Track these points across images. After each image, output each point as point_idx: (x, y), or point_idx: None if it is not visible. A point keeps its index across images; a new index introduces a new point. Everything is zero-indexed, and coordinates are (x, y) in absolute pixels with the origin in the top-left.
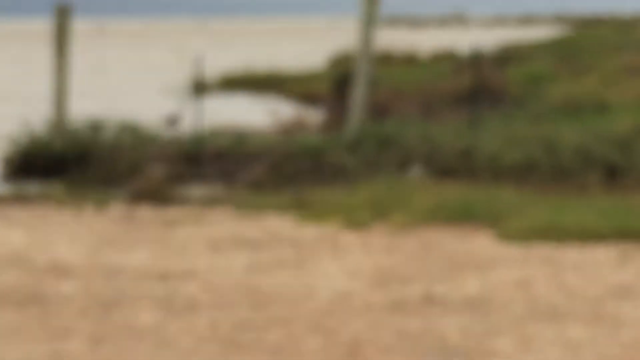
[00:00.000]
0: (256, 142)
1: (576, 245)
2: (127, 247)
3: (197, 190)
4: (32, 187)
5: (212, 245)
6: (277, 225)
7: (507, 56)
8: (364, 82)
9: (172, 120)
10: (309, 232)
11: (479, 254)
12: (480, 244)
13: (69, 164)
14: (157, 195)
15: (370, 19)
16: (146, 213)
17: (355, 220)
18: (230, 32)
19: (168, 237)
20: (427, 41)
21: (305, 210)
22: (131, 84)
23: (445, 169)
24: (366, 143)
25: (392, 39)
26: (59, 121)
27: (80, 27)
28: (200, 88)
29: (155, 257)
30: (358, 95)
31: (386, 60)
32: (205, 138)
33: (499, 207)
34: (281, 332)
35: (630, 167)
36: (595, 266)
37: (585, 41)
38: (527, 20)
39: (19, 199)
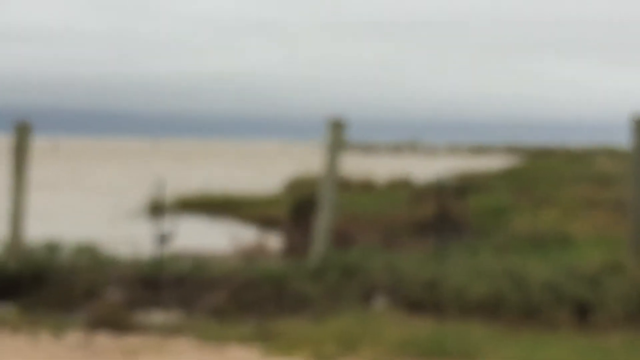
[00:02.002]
0: (216, 268)
1: None
2: None
3: (156, 317)
4: None
5: None
6: (242, 358)
7: (466, 186)
8: (328, 209)
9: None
10: None
11: None
12: None
13: (23, 286)
14: (116, 321)
15: (336, 144)
16: (104, 341)
17: (323, 354)
18: (184, 153)
19: None
20: (382, 167)
21: (270, 341)
22: (86, 204)
23: (411, 300)
24: (330, 272)
25: (347, 165)
26: (15, 241)
27: (34, 144)
28: (159, 210)
29: None
30: (322, 222)
31: (343, 186)
32: (164, 262)
33: (470, 344)
34: None
35: (600, 305)
36: None
37: (539, 172)
38: (478, 149)
39: None
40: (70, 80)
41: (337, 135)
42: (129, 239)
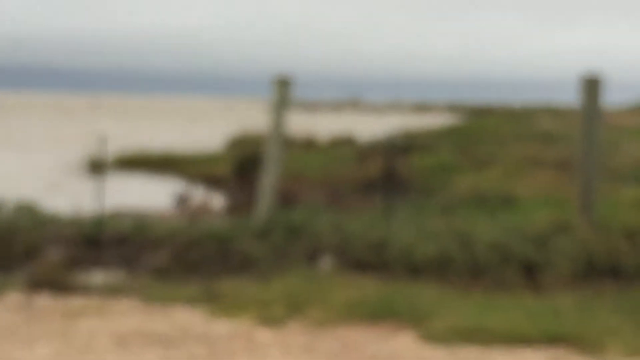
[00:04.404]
0: (159, 227)
1: (503, 349)
2: (27, 341)
3: (98, 277)
4: None
5: (118, 341)
6: (187, 319)
7: (410, 144)
8: (274, 167)
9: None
10: (222, 327)
11: (403, 357)
12: (403, 345)
13: None
14: (56, 282)
15: (282, 102)
16: (46, 302)
17: (270, 316)
18: (125, 111)
19: (71, 330)
20: (324, 125)
21: (216, 303)
22: (24, 162)
23: (358, 260)
24: (275, 231)
25: (290, 123)
26: None
27: None
28: (100, 167)
29: (58, 354)
30: (268, 181)
31: (287, 144)
32: (105, 221)
33: (420, 304)
34: None
35: (547, 264)
36: None
37: (481, 130)
38: (420, 107)
39: None
40: (4, 35)
41: (283, 93)
42: (70, 197)
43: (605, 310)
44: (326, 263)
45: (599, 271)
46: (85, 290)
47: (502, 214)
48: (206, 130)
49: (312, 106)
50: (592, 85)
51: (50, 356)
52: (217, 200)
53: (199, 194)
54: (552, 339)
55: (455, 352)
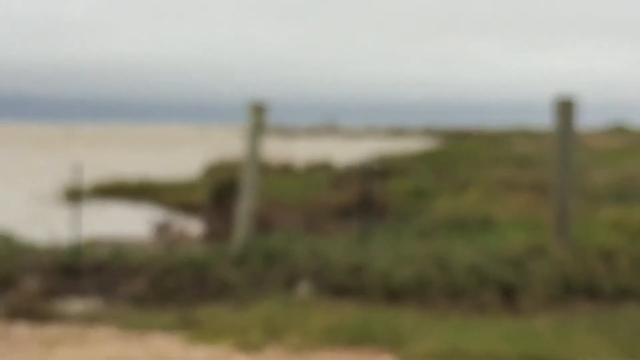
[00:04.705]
0: (136, 255)
1: None
2: None
3: (75, 306)
4: None
5: None
6: (165, 346)
7: (386, 169)
8: (250, 193)
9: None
10: (199, 354)
11: None
12: None
13: None
14: (34, 311)
15: (257, 128)
16: (23, 331)
17: (248, 342)
18: (100, 139)
19: (49, 359)
20: (301, 151)
21: (193, 330)
22: (0, 192)
23: (335, 286)
24: (252, 257)
25: (267, 149)
26: None
27: None
28: (76, 195)
29: None
30: (244, 207)
31: (263, 170)
32: (83, 249)
33: (398, 328)
34: None
35: (524, 286)
36: None
37: (457, 154)
38: (396, 132)
39: None
40: None
41: (259, 118)
42: (47, 226)
43: (582, 331)
44: (304, 288)
45: (576, 292)
46: (62, 319)
47: (479, 237)
48: (183, 158)
49: (288, 132)
50: (566, 108)
51: None
52: (194, 227)
53: (177, 222)
54: None
55: None
